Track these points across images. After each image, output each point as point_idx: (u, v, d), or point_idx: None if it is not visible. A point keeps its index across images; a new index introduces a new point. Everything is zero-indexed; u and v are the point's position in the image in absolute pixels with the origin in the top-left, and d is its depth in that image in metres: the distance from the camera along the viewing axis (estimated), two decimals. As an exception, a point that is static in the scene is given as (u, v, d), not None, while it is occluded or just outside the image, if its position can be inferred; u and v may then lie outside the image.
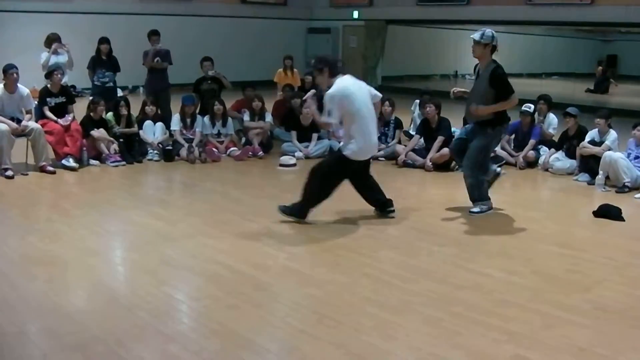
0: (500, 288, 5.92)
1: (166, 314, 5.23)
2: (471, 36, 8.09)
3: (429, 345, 4.74)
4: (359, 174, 7.96)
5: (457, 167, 10.58)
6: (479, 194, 8.35)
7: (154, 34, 13.01)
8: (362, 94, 7.71)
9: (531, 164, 11.27)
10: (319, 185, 7.69)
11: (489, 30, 8.10)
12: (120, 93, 16.86)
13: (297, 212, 7.70)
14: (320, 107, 7.68)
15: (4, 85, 9.97)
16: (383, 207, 8.12)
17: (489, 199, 8.47)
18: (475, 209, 8.31)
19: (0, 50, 17.88)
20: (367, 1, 25.50)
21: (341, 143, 8.08)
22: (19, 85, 10.08)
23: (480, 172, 8.36)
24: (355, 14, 25.86)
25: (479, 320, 5.19)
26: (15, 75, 9.92)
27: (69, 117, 10.53)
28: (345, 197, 8.06)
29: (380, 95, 8.24)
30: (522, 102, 12.03)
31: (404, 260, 6.60)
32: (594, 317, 5.35)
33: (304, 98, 12.83)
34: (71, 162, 10.14)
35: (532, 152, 11.30)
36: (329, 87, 7.52)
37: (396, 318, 5.20)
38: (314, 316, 5.22)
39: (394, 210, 8.11)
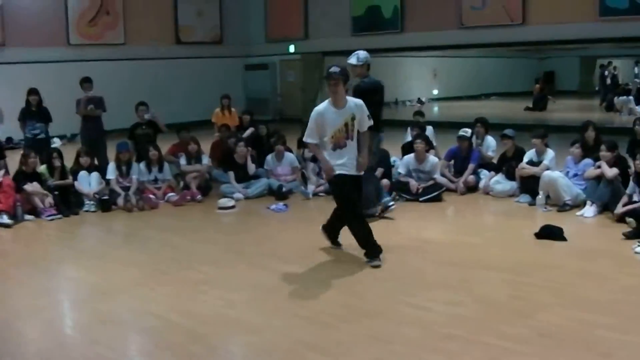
0: (443, 321, 5.83)
1: (100, 376, 5.04)
2: (350, 62, 9.24)
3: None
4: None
5: (397, 197, 10.54)
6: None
7: (85, 81, 12.83)
8: None
9: (471, 188, 11.25)
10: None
11: (362, 52, 9.39)
12: (58, 142, 16.64)
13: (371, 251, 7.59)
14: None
15: None
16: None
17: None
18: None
19: None
20: (303, 35, 25.52)
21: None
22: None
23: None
24: (292, 48, 25.83)
25: (422, 357, 5.09)
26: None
27: (1, 174, 10.26)
28: (285, 238, 7.95)
29: None
30: (461, 125, 12.11)
31: (341, 299, 6.48)
32: (538, 345, 5.28)
33: (243, 136, 12.83)
34: (5, 219, 9.85)
35: (472, 176, 11.28)
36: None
37: (333, 361, 5.07)
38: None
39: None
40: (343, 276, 7.21)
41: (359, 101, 7.47)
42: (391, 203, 9.62)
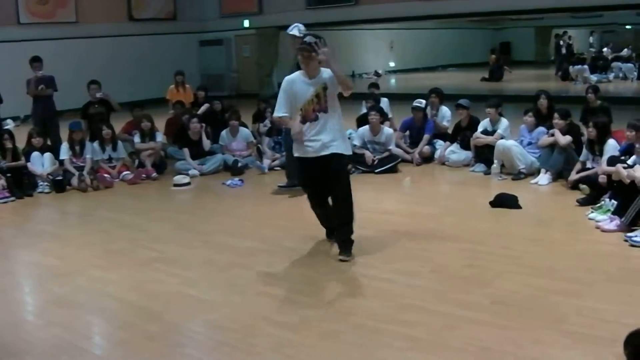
0: (401, 292, 5.84)
1: (55, 357, 4.96)
2: (292, 33, 9.03)
3: (328, 361, 4.62)
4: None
5: (352, 169, 10.50)
6: None
7: (35, 61, 12.60)
8: None
9: (427, 159, 11.29)
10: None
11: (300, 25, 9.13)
12: (11, 124, 16.35)
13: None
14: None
15: None
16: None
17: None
18: None
19: None
20: (257, 9, 25.32)
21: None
22: None
23: None
24: (246, 23, 25.62)
25: (382, 329, 5.09)
26: None
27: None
28: (241, 214, 7.89)
29: None
30: (417, 96, 12.11)
31: (300, 273, 6.48)
32: (494, 312, 5.30)
33: (198, 112, 12.72)
34: (-45, 203, 9.71)
35: (427, 147, 11.32)
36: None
37: (294, 336, 5.05)
38: (209, 342, 5.04)
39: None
40: (301, 250, 7.18)
41: (330, 71, 6.80)
42: None
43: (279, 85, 7.03)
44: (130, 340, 5.15)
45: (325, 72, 6.70)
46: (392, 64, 34.75)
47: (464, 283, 5.98)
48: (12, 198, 10.17)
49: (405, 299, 5.67)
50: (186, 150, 11.57)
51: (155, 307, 5.77)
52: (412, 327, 5.07)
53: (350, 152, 7.04)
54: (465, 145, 10.88)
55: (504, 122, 10.49)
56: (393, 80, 30.64)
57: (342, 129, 6.87)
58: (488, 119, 10.62)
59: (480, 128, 10.65)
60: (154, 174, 11.26)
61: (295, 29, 8.97)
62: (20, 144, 11.03)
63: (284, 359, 4.70)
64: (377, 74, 31.21)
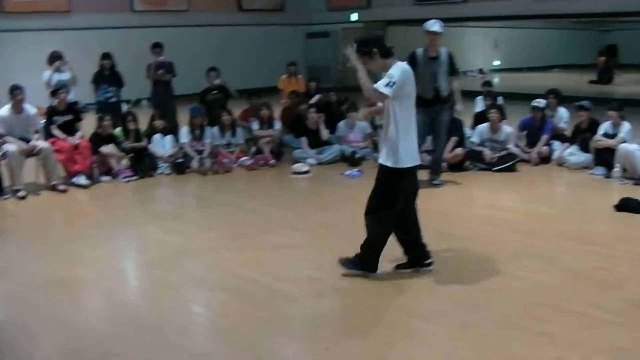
0: (532, 290, 5.82)
1: (195, 333, 5.14)
2: (434, 29, 9.09)
3: (465, 352, 4.67)
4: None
5: (470, 166, 10.53)
6: None
7: (156, 46, 12.95)
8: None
9: (545, 159, 11.13)
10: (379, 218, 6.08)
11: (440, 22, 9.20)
12: (124, 107, 16.79)
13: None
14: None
15: (11, 106, 9.87)
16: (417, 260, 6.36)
17: None
18: None
19: (2, 70, 17.79)
20: (365, 3, 25.38)
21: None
22: (25, 105, 9.98)
23: None
24: (354, 17, 25.72)
25: (516, 324, 5.10)
26: (20, 96, 9.83)
27: (78, 135, 10.44)
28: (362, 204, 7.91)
29: None
30: (530, 96, 11.97)
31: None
32: (631, 315, 5.24)
33: (310, 102, 12.85)
34: (82, 180, 10.07)
35: (545, 147, 11.17)
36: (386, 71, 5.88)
37: (429, 325, 5.11)
38: (345, 328, 5.12)
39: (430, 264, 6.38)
40: (427, 240, 7.17)
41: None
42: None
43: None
44: (268, 320, 5.29)
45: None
46: (496, 63, 34.36)
47: (596, 285, 5.91)
48: (135, 177, 10.54)
49: (537, 296, 5.65)
50: (304, 139, 11.73)
51: (289, 289, 5.91)
52: (548, 324, 5.06)
53: (397, 165, 5.88)
54: (584, 148, 10.70)
55: (626, 125, 10.28)
56: (496, 79, 30.27)
57: (392, 138, 5.86)
58: (609, 122, 10.41)
59: (601, 131, 10.44)
60: (272, 161, 11.45)
61: (437, 25, 9.01)
62: (141, 126, 11.37)
63: (423, 348, 4.76)
64: (481, 72, 30.92)
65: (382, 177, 6.01)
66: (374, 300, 5.66)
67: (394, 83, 5.69)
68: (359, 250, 6.16)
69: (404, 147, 5.84)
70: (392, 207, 5.96)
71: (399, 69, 5.80)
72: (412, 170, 6.00)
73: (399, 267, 6.27)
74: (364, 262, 6.12)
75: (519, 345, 4.74)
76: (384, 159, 5.94)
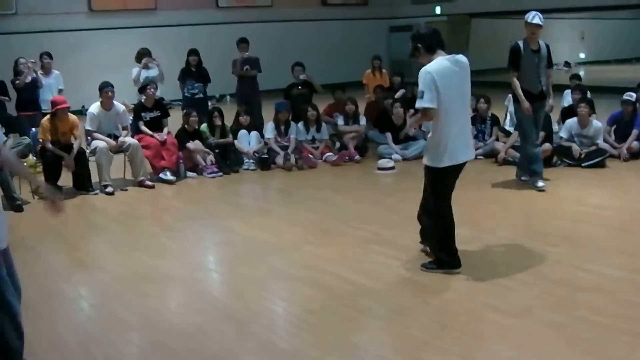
0: (624, 288, 5.61)
1: (283, 329, 5.13)
2: (535, 21, 8.81)
3: (556, 352, 4.54)
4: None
5: (558, 162, 10.27)
6: None
7: (242, 42, 12.99)
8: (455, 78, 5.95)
9: (635, 155, 10.77)
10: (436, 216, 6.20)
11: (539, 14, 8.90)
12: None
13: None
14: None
15: (101, 103, 10.04)
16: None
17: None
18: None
19: (90, 67, 18.20)
20: (449, -4, 25.16)
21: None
22: (114, 102, 10.15)
23: None
24: (438, 10, 25.47)
25: (607, 324, 4.92)
26: (110, 93, 10.00)
27: (165, 132, 10.56)
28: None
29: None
30: (617, 90, 11.61)
31: (517, 262, 6.32)
32: None
33: (395, 97, 12.72)
34: (169, 176, 10.17)
35: (635, 142, 10.79)
36: None
37: (518, 324, 4.98)
38: (435, 325, 5.03)
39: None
40: (512, 239, 7.08)
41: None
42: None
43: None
44: (356, 317, 5.24)
45: None
46: (582, 55, 33.60)
47: (696, 284, 5.70)
48: (220, 173, 10.60)
49: (629, 295, 5.45)
50: (389, 135, 11.62)
51: (377, 286, 5.84)
52: (640, 325, 4.89)
53: (438, 165, 5.93)
54: (679, 143, 10.35)
55: None
56: (582, 72, 29.59)
57: (435, 137, 5.92)
58: None
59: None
60: (357, 157, 11.37)
61: (538, 17, 8.83)
62: (227, 122, 11.42)
63: (511, 346, 4.64)
64: (567, 65, 30.27)
65: (425, 176, 6.23)
66: (464, 298, 5.54)
67: (422, 93, 5.74)
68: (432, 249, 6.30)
69: (443, 147, 5.89)
70: (442, 202, 6.11)
71: (421, 76, 5.82)
72: (452, 169, 6.02)
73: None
74: (440, 263, 6.11)
75: (610, 346, 4.58)
76: (426, 159, 6.12)
